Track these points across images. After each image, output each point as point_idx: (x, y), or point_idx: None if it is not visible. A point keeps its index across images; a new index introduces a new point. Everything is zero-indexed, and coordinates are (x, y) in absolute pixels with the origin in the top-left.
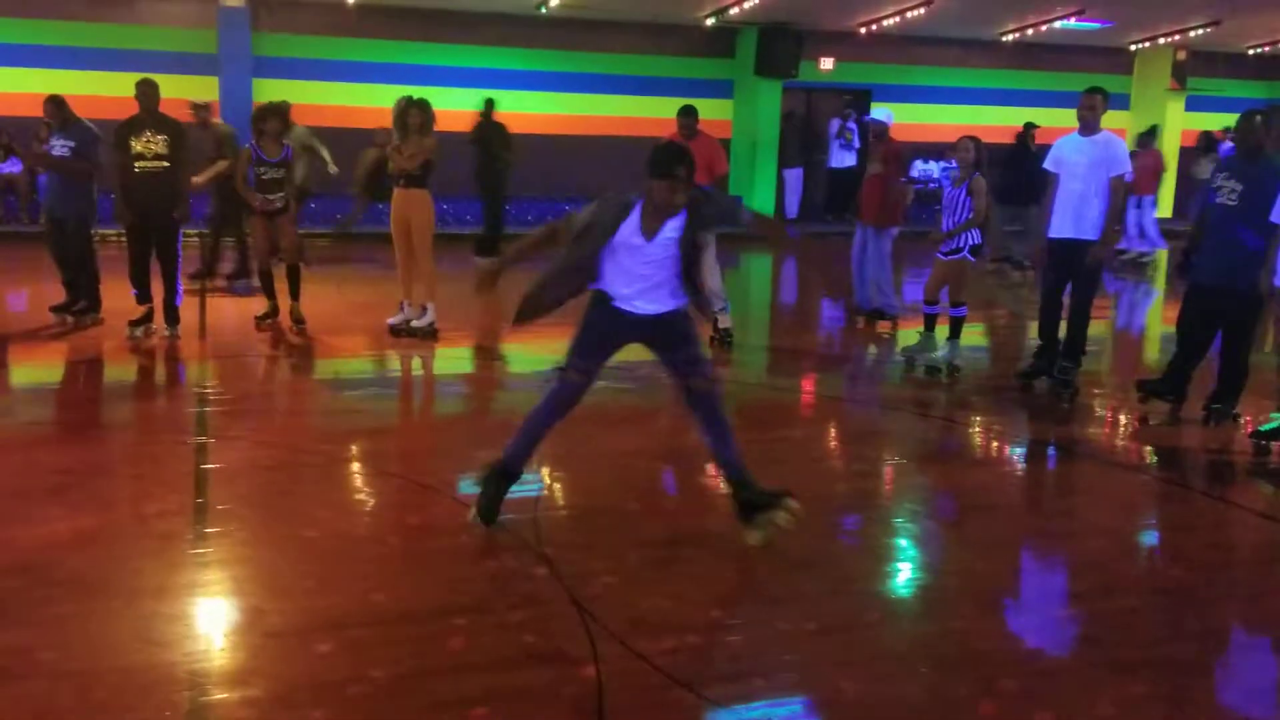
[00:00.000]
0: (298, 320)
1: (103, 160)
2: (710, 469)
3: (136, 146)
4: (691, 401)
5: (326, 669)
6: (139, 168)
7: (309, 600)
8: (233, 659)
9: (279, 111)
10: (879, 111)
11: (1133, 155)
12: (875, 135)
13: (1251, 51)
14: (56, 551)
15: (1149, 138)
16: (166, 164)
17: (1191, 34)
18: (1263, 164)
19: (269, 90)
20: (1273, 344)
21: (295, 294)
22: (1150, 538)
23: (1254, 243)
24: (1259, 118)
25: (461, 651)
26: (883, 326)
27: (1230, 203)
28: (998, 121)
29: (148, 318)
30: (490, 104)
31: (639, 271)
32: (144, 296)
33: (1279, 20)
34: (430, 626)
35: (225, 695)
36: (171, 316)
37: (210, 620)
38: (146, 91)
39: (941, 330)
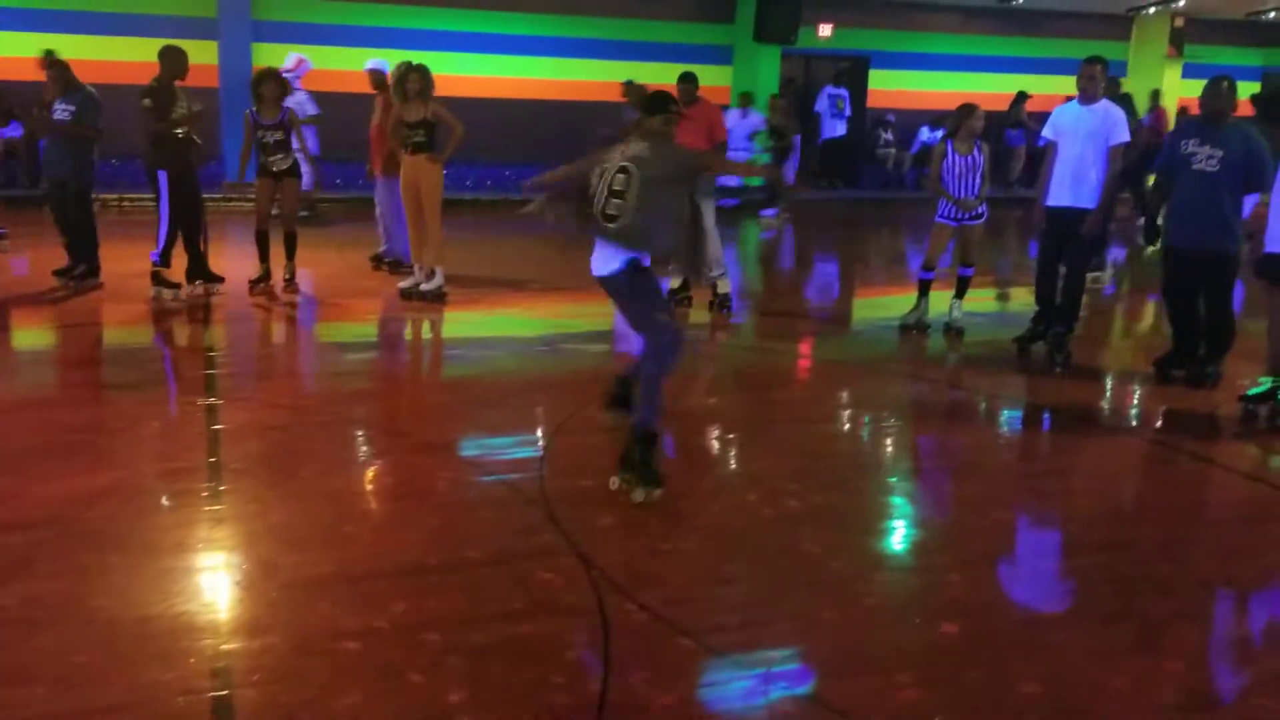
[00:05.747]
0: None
1: (101, 125)
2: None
3: (178, 112)
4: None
5: (337, 618)
6: (180, 134)
7: (321, 553)
8: (249, 611)
9: (275, 76)
10: (375, 61)
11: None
12: (375, 85)
13: (1249, 18)
14: (76, 507)
15: None
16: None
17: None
18: (1232, 130)
19: (268, 55)
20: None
21: (290, 255)
22: (1131, 497)
23: (1232, 207)
24: (1225, 84)
25: (468, 602)
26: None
27: (1210, 169)
28: (996, 89)
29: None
30: None
31: None
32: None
33: None
34: (435, 578)
35: (244, 645)
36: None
37: (225, 574)
38: (181, 59)
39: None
